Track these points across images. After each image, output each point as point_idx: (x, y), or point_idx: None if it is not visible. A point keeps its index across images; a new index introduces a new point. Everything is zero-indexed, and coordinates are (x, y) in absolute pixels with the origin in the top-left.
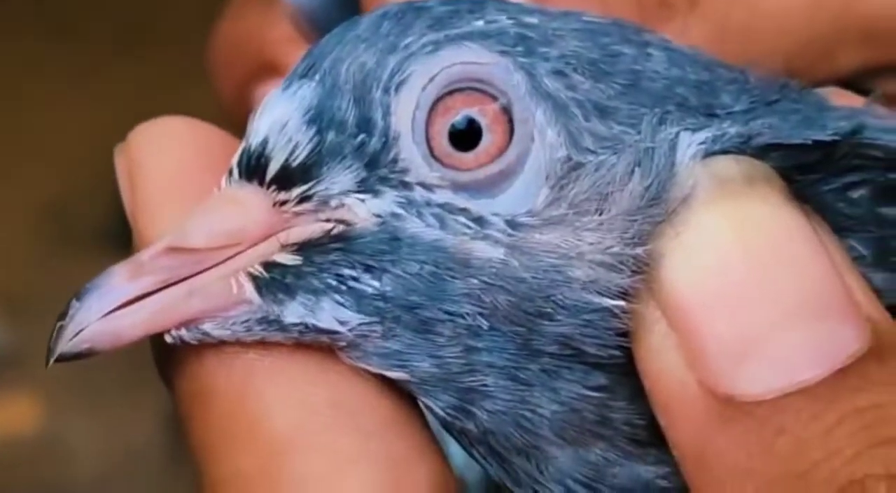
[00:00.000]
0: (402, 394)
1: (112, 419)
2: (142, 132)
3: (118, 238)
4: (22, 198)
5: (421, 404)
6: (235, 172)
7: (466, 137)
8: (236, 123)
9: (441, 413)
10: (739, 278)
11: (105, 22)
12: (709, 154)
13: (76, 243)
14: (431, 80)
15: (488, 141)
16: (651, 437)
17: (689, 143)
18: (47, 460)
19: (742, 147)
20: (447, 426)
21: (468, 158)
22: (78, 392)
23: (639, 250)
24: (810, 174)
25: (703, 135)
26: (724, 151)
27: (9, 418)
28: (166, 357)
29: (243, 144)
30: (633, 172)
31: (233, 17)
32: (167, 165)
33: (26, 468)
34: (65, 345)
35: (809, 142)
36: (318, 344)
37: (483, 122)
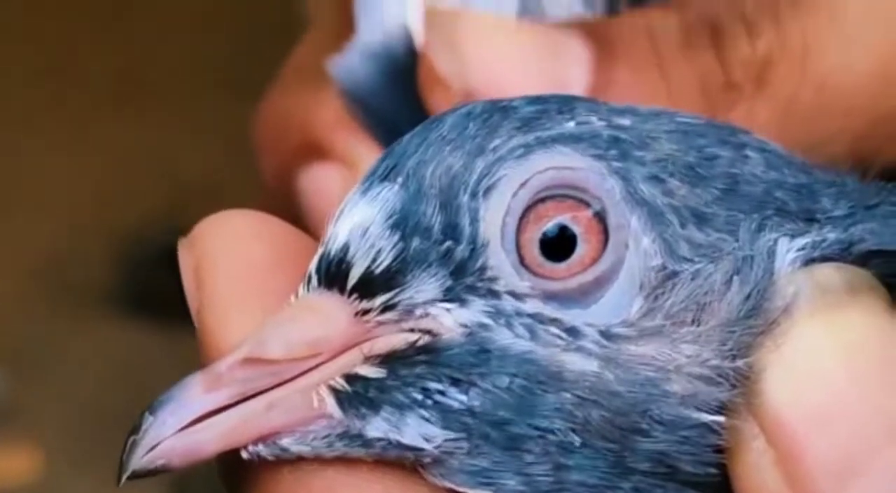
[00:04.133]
0: None
1: (110, 477)
2: (208, 225)
3: (116, 295)
4: (22, 252)
5: None
6: (314, 278)
7: (558, 245)
8: (277, 203)
9: None
10: (842, 395)
11: (107, 75)
12: (808, 261)
13: (75, 297)
14: (523, 185)
15: (582, 251)
16: None
17: (789, 249)
18: None
19: (843, 254)
20: None
21: (560, 268)
22: (77, 446)
23: (739, 363)
24: None
25: (802, 241)
26: (825, 258)
27: (7, 470)
28: (236, 473)
29: (321, 249)
30: (730, 280)
31: (280, 90)
32: (238, 263)
33: None
34: (138, 461)
35: None
36: (399, 461)
37: (577, 230)
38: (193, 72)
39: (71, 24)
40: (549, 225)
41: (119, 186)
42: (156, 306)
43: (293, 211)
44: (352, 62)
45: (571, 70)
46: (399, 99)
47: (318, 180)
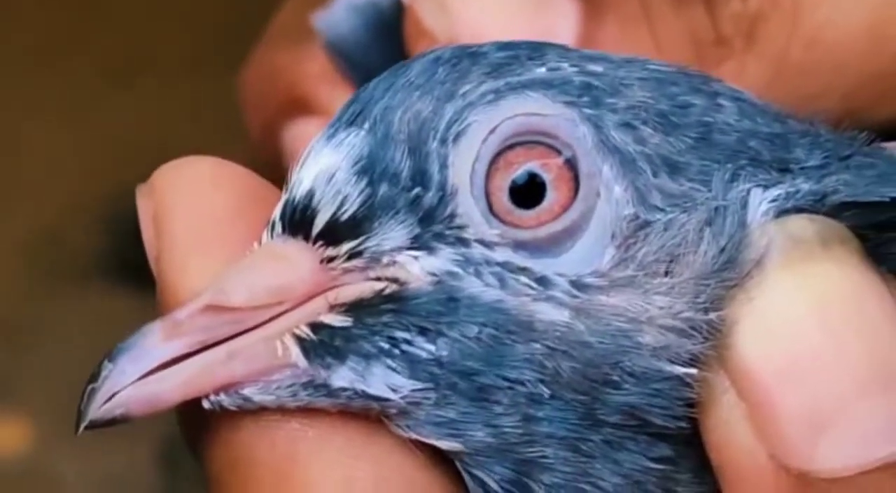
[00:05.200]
0: (449, 470)
1: (103, 449)
2: (169, 172)
3: (108, 269)
4: (13, 227)
5: (467, 478)
6: (278, 225)
7: (527, 193)
8: (264, 160)
9: (495, 486)
10: (814, 348)
11: (96, 51)
12: (782, 212)
13: (67, 272)
14: (492, 131)
15: (552, 199)
16: None
17: (762, 200)
18: (33, 487)
19: (816, 205)
20: None
21: (529, 215)
22: (66, 418)
23: (711, 315)
24: (886, 233)
25: (775, 191)
26: (798, 209)
27: None
28: (197, 423)
29: (286, 195)
30: (703, 231)
31: (266, 47)
32: (197, 210)
33: None
34: (96, 410)
35: (887, 199)
36: (364, 412)
37: (547, 178)
38: (185, 44)
39: None
40: (519, 172)
41: (108, 159)
42: (145, 278)
43: (279, 168)
44: (337, 16)
45: (558, 23)
46: (384, 52)
47: (303, 134)
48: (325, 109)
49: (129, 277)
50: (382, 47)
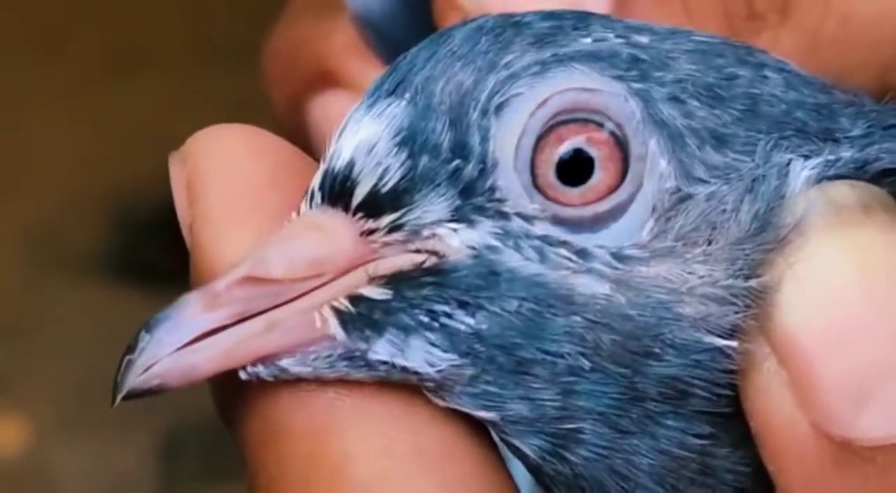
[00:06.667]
0: (486, 439)
1: (101, 446)
2: (203, 139)
3: (108, 263)
4: (12, 221)
5: (502, 446)
6: (317, 195)
7: (573, 169)
8: (287, 134)
9: (533, 456)
10: (857, 314)
11: (98, 43)
12: (822, 180)
13: (66, 267)
14: (541, 105)
15: (599, 178)
16: (757, 486)
17: (803, 167)
18: (33, 485)
19: (858, 173)
20: (536, 469)
21: (574, 194)
22: (67, 417)
23: (751, 283)
24: None
25: (816, 160)
26: (839, 177)
27: None
28: (232, 395)
29: (324, 166)
30: (743, 200)
31: (290, 20)
32: (233, 178)
33: (10, 491)
34: (134, 380)
35: None
36: (402, 382)
37: (595, 156)
38: (188, 38)
39: None
40: (566, 148)
41: (110, 154)
42: (147, 273)
43: (304, 143)
44: None
45: None
46: (413, 25)
47: (330, 108)
48: (353, 82)
49: (130, 272)
50: (411, 20)
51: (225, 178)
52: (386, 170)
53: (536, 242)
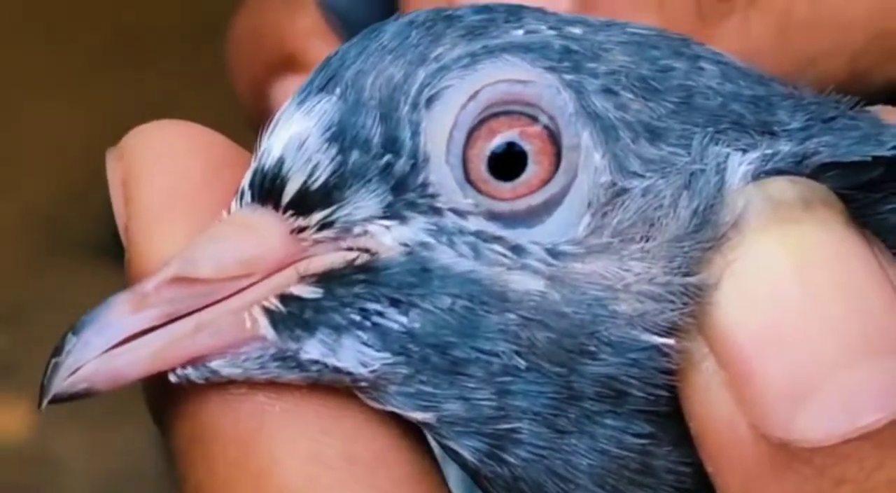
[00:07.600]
0: (420, 443)
1: (105, 431)
2: (139, 136)
3: (109, 248)
4: (13, 207)
5: (438, 449)
6: (247, 194)
7: (506, 163)
8: (253, 121)
9: (471, 458)
10: (796, 312)
11: (99, 29)
12: (761, 175)
13: (67, 252)
14: (472, 98)
15: (532, 171)
16: (697, 485)
17: (741, 162)
18: (37, 470)
19: (797, 167)
20: (475, 473)
21: (507, 188)
22: (71, 404)
23: (689, 280)
24: (869, 194)
25: (754, 154)
26: (778, 172)
27: (1, 425)
28: (161, 397)
29: (255, 164)
30: (680, 195)
31: (253, 5)
32: (167, 176)
33: (14, 477)
34: (60, 384)
35: (869, 159)
36: (334, 384)
37: (529, 150)
38: (188, 27)
39: None
40: (499, 141)
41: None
42: None
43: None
44: None
45: None
46: (377, 10)
47: (292, 91)
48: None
49: None
50: (375, 4)
51: (159, 175)
52: (316, 166)
53: (470, 238)
